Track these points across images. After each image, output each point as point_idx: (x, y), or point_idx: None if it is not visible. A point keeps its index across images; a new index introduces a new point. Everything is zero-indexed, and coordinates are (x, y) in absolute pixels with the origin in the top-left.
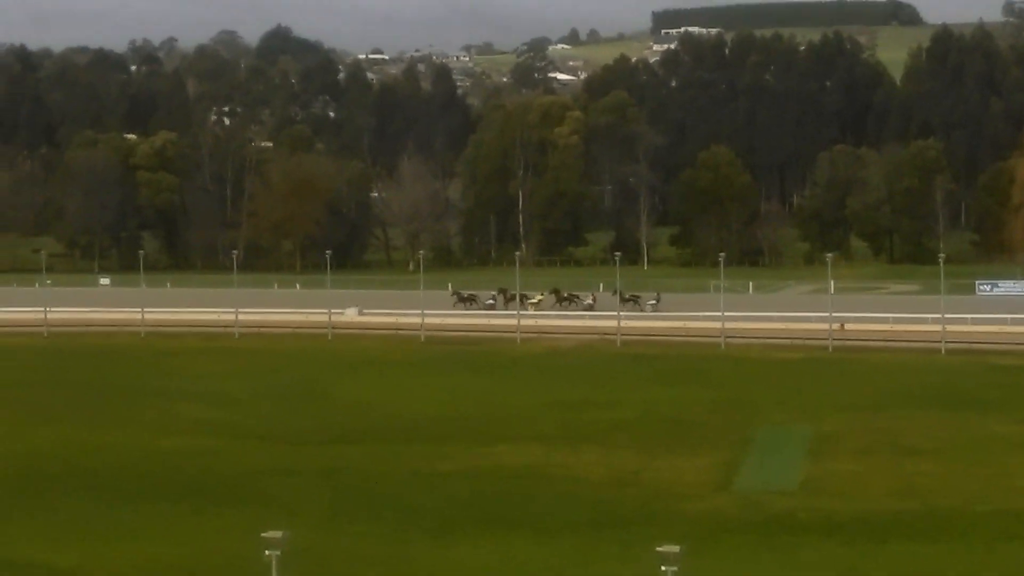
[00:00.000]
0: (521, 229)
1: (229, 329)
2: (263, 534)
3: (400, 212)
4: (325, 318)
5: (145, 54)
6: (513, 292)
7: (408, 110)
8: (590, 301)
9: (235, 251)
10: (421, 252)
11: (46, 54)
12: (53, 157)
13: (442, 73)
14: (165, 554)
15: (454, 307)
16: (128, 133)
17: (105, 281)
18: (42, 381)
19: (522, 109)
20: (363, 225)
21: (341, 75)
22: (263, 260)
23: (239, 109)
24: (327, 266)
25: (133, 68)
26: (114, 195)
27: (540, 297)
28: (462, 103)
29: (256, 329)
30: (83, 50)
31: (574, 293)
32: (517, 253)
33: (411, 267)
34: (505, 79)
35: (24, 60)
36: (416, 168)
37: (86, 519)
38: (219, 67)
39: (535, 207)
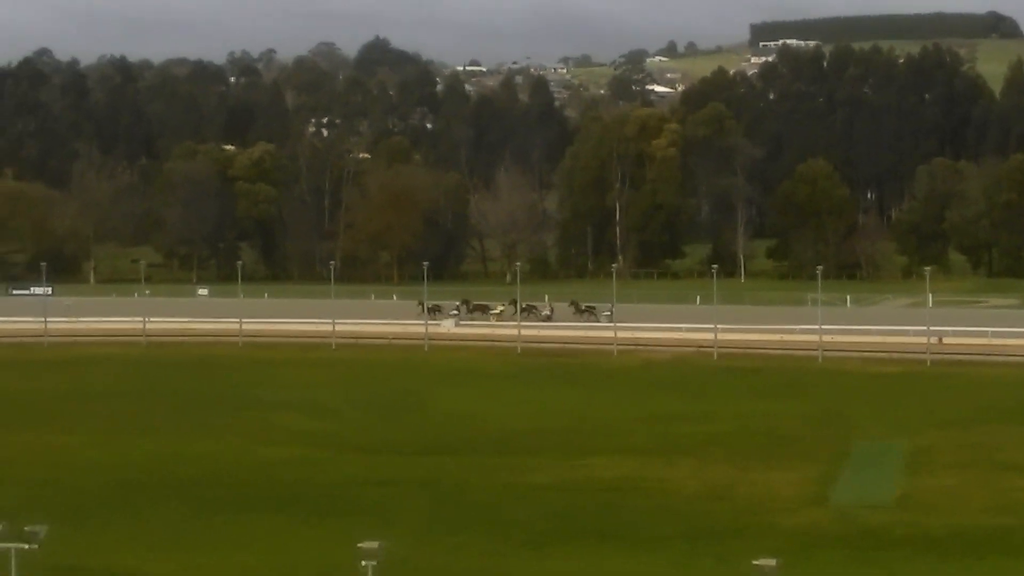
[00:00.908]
0: (618, 241)
1: (326, 340)
2: (359, 544)
3: (497, 223)
4: (422, 329)
5: (244, 66)
6: (476, 303)
7: (505, 121)
8: (547, 312)
9: (332, 262)
10: (517, 263)
11: (146, 65)
12: (152, 168)
13: (539, 85)
14: (261, 564)
15: (418, 317)
16: (227, 144)
17: (203, 291)
18: (140, 391)
19: (619, 121)
20: (460, 236)
21: (439, 87)
22: (360, 271)
23: (337, 120)
24: (424, 277)
25: (232, 79)
26: (212, 206)
27: (501, 308)
28: (559, 115)
29: (353, 340)
30: (182, 62)
31: (532, 304)
32: (614, 265)
33: (508, 278)
34: (602, 91)
35: (124, 71)
36: (513, 179)
37: (183, 528)
38: (317, 79)
39: (632, 219)
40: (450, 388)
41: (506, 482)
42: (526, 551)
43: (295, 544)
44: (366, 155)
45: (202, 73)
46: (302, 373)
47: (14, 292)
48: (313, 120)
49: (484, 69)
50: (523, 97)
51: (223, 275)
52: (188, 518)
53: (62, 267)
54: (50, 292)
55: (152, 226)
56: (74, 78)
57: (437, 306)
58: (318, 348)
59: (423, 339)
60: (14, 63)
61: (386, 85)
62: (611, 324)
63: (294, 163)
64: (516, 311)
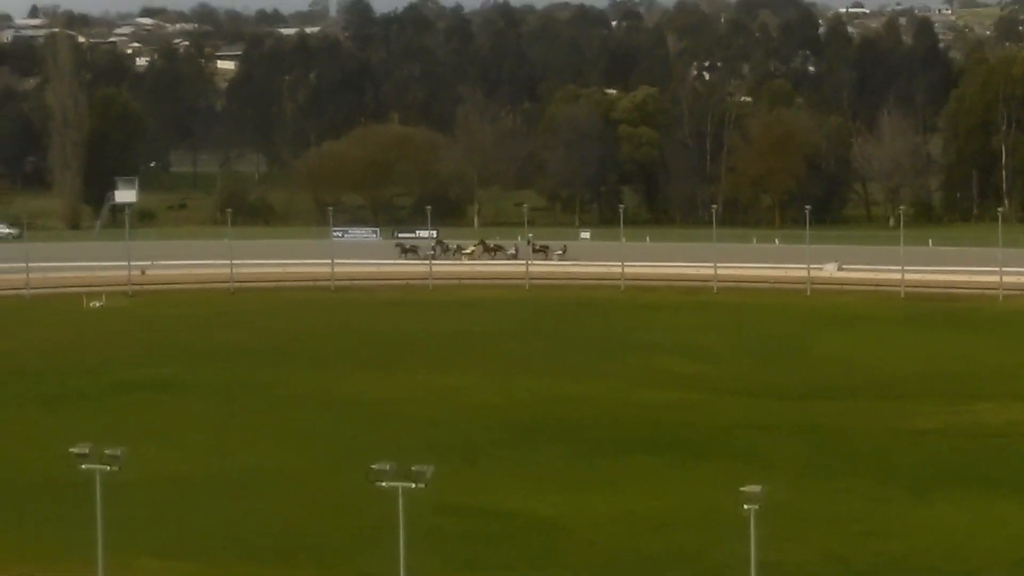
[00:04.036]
0: (1004, 185)
1: (707, 283)
2: (741, 488)
3: (880, 167)
4: (804, 273)
5: (626, 10)
6: (447, 243)
7: (889, 64)
8: (513, 251)
9: (714, 205)
10: (901, 208)
11: (528, 10)
12: (535, 111)
13: (924, 26)
14: (641, 506)
15: (398, 258)
16: (608, 88)
17: (585, 235)
18: (524, 333)
19: (1006, 63)
20: (842, 180)
21: (821, 29)
22: (742, 215)
23: (719, 64)
24: (806, 221)
25: (614, 23)
26: (595, 150)
27: (473, 247)
28: (944, 57)
29: (733, 284)
30: (565, 6)
31: (499, 244)
32: (1000, 209)
33: (891, 223)
34: (988, 32)
35: (507, 16)
36: (896, 123)
37: (565, 469)
38: (699, 22)
39: (1019, 162)
40: (831, 332)
41: (889, 427)
42: (910, 497)
43: (674, 486)
44: (748, 98)
45: (584, 17)
46: (683, 316)
47: (400, 235)
48: (695, 63)
49: (867, 11)
50: (906, 39)
51: (605, 218)
52: (570, 459)
53: (446, 210)
54: (435, 235)
55: (535, 169)
56: (458, 23)
57: (414, 246)
58: (699, 291)
59: (804, 283)
60: (400, 9)
61: (768, 27)
62: (997, 269)
63: (676, 106)
64: (484, 250)
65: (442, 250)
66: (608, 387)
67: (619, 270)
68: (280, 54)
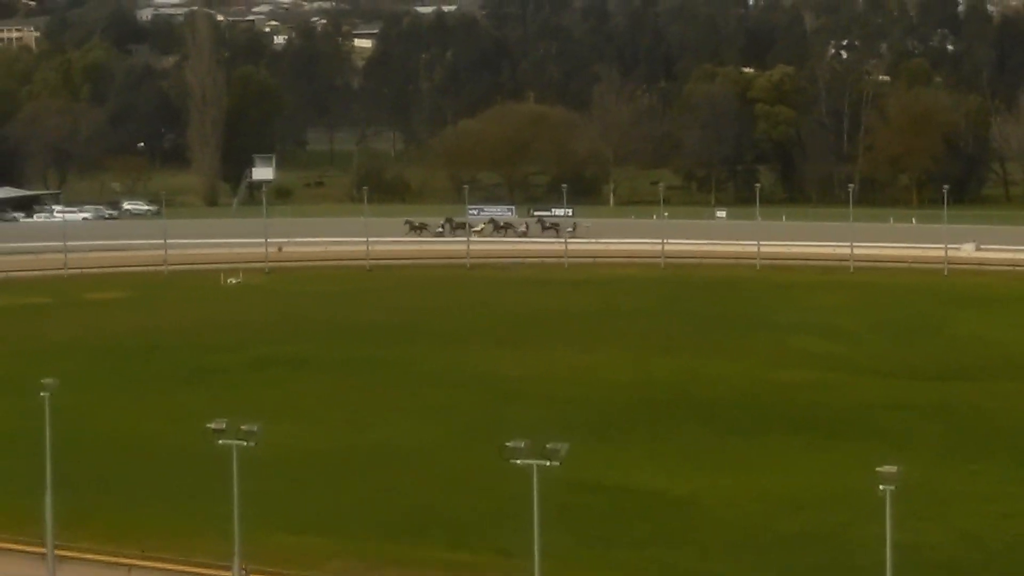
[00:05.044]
0: None
1: (844, 263)
2: (878, 468)
3: (1019, 147)
4: (941, 253)
5: None
6: (459, 220)
7: None
8: (523, 228)
9: (851, 185)
10: None
11: None
12: (672, 90)
13: None
14: (776, 485)
15: (407, 235)
16: (745, 67)
17: (721, 214)
18: (659, 311)
19: None
20: (981, 160)
21: (960, 7)
22: (879, 194)
23: (856, 42)
24: (943, 201)
25: (751, 2)
26: (731, 128)
27: (483, 225)
28: None
29: (871, 263)
30: None
31: (508, 222)
32: None
33: None
34: None
35: None
36: None
37: (700, 448)
38: (836, 0)
39: None
40: (969, 312)
41: None
42: None
43: (810, 466)
44: (885, 77)
45: None
46: (819, 296)
47: (535, 213)
48: (832, 42)
49: None
50: None
51: (741, 197)
52: (705, 438)
53: (582, 189)
54: (571, 214)
55: (671, 148)
56: (595, 2)
57: (424, 223)
58: (835, 271)
59: (942, 263)
60: None
61: (906, 6)
62: None
63: (813, 85)
64: (494, 228)
65: (451, 228)
66: (744, 366)
67: (755, 249)
68: (417, 32)
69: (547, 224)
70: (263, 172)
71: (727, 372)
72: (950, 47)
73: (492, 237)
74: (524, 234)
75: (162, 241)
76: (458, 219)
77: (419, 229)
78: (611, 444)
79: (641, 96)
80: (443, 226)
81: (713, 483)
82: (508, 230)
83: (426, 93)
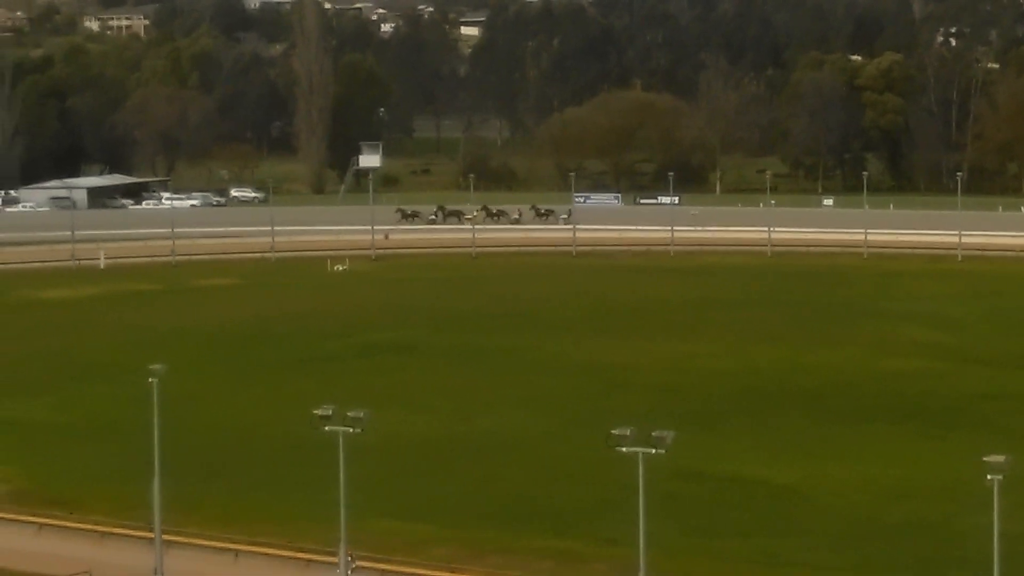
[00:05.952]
0: None
1: (952, 251)
2: (985, 458)
3: None
4: None
5: None
6: (452, 208)
7: None
8: (516, 216)
9: (959, 173)
10: None
11: None
12: (779, 78)
13: None
14: (882, 475)
15: (398, 223)
16: (853, 54)
17: (828, 202)
18: (764, 300)
19: None
20: None
21: None
22: (988, 182)
23: (966, 30)
24: None
25: None
26: (839, 116)
27: (476, 212)
28: None
29: (978, 252)
30: None
31: (501, 209)
32: None
33: None
34: None
35: None
36: None
37: (804, 437)
38: None
39: None
40: None
41: None
42: None
43: (916, 456)
44: (995, 64)
45: None
46: (926, 284)
47: (641, 201)
48: (941, 29)
49: None
50: None
51: (848, 185)
52: (809, 427)
53: (688, 177)
54: (677, 201)
55: (778, 136)
56: None
57: (416, 212)
58: (943, 259)
59: None
60: None
61: None
62: None
63: (921, 73)
64: (487, 215)
65: (444, 216)
66: (850, 355)
67: (862, 237)
68: (524, 20)
69: (541, 211)
70: (370, 160)
71: (833, 361)
72: None
73: (484, 224)
74: (517, 221)
75: (269, 228)
76: (451, 207)
77: (411, 217)
78: (714, 433)
79: (748, 84)
80: (436, 214)
81: (817, 472)
82: (501, 217)
83: (532, 81)
